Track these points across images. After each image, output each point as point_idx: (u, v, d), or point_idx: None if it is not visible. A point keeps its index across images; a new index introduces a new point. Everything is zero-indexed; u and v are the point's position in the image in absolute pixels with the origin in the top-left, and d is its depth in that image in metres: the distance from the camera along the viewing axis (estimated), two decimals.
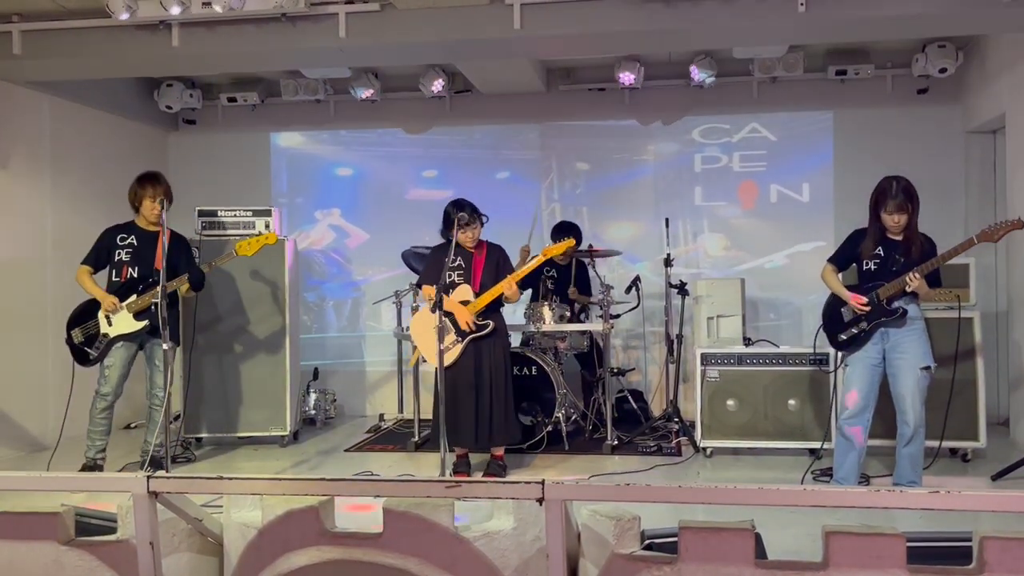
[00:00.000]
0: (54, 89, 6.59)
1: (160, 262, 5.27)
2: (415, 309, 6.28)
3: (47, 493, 3.05)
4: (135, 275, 5.36)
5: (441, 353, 4.72)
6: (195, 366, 6.14)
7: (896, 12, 5.10)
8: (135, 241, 5.42)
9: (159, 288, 5.08)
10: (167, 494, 2.36)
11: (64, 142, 6.75)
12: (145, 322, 5.29)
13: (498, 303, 5.24)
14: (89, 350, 5.33)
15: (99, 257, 5.44)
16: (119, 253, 5.41)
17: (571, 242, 5.30)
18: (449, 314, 5.08)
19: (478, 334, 5.08)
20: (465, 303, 5.11)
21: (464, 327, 5.06)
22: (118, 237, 5.44)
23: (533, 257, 5.43)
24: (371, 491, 2.31)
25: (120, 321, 5.30)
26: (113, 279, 5.40)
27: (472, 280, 5.14)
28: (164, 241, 5.03)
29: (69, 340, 5.37)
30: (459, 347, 5.08)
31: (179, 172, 8.07)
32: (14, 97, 6.30)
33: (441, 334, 4.69)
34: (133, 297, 5.30)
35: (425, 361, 5.44)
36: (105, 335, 5.31)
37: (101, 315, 5.32)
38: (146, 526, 2.29)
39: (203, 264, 5.51)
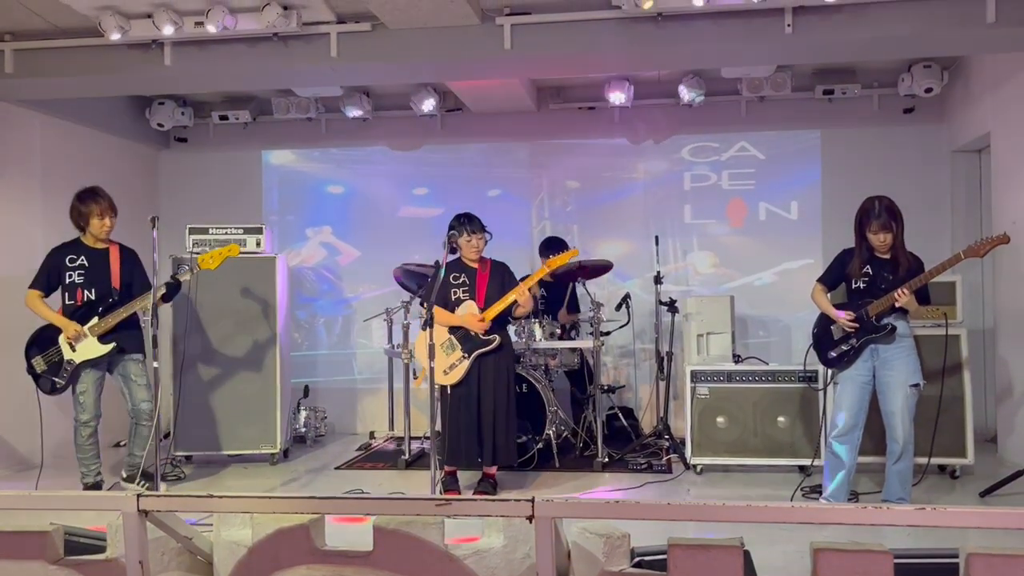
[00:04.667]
0: (46, 107, 6.60)
1: (116, 280, 5.23)
2: (406, 326, 6.29)
3: (30, 512, 3.03)
4: (92, 297, 5.19)
5: (432, 370, 4.73)
6: (185, 383, 6.13)
7: (881, 33, 5.17)
8: (85, 261, 5.24)
9: (127, 306, 5.08)
10: (157, 512, 2.36)
11: (56, 160, 6.76)
12: (112, 344, 5.15)
13: (504, 320, 5.26)
14: (56, 379, 5.17)
15: (49, 280, 5.25)
16: (71, 275, 5.21)
17: (575, 251, 5.36)
18: (456, 330, 5.10)
19: (484, 349, 5.08)
20: None
21: (477, 328, 5.06)
22: (67, 258, 5.24)
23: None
24: (361, 509, 2.32)
25: (85, 346, 5.14)
26: (67, 303, 5.22)
27: (476, 296, 5.16)
28: (155, 257, 4.97)
29: (30, 369, 5.21)
30: (466, 364, 5.07)
31: (170, 190, 8.09)
32: (6, 115, 6.31)
33: (432, 351, 4.71)
34: (95, 320, 5.15)
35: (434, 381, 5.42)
36: (71, 361, 5.15)
37: (63, 341, 5.16)
38: (135, 545, 2.29)
39: (163, 282, 5.19)
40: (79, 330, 5.12)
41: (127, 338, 5.23)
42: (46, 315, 5.21)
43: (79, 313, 5.18)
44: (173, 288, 5.23)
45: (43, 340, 5.22)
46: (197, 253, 6.15)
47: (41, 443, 5.31)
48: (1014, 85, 5.87)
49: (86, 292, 5.21)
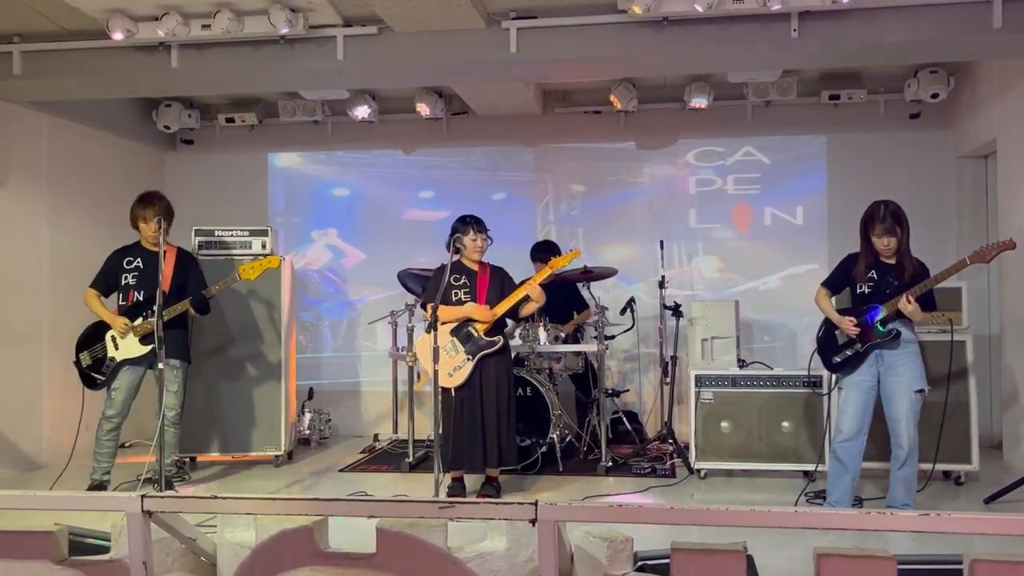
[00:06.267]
0: (53, 109, 6.63)
1: (165, 283, 5.27)
2: (411, 329, 6.29)
3: (35, 512, 3.04)
4: (140, 299, 5.34)
5: (436, 373, 4.72)
6: (190, 385, 6.12)
7: (888, 38, 5.16)
8: (141, 264, 5.41)
9: (169, 309, 5.16)
10: (161, 513, 2.36)
11: (62, 161, 6.78)
12: (151, 346, 5.23)
13: (503, 323, 5.27)
14: (96, 375, 5.32)
15: (107, 281, 5.43)
16: (126, 277, 5.39)
17: (577, 252, 5.35)
18: (458, 332, 5.11)
19: (488, 350, 5.09)
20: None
21: (484, 317, 5.07)
22: (124, 260, 5.43)
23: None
24: (365, 511, 2.32)
25: (127, 345, 5.30)
26: (120, 303, 5.39)
27: (477, 298, 5.17)
28: (161, 258, 5.03)
29: (77, 363, 5.37)
30: (470, 365, 5.08)
31: (176, 192, 8.03)
32: (13, 117, 6.34)
33: (437, 353, 4.71)
34: (139, 320, 5.30)
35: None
36: (112, 359, 5.31)
37: (108, 338, 5.32)
38: (139, 546, 2.30)
39: (213, 287, 5.44)
40: (127, 324, 5.26)
41: (166, 343, 5.25)
42: (99, 312, 5.37)
43: (128, 314, 5.33)
44: (200, 305, 5.38)
45: (94, 336, 5.37)
46: (207, 256, 6.20)
47: (75, 441, 5.38)
48: (1021, 91, 5.86)
49: (136, 294, 5.36)
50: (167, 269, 5.37)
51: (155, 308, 5.18)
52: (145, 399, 5.61)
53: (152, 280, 5.28)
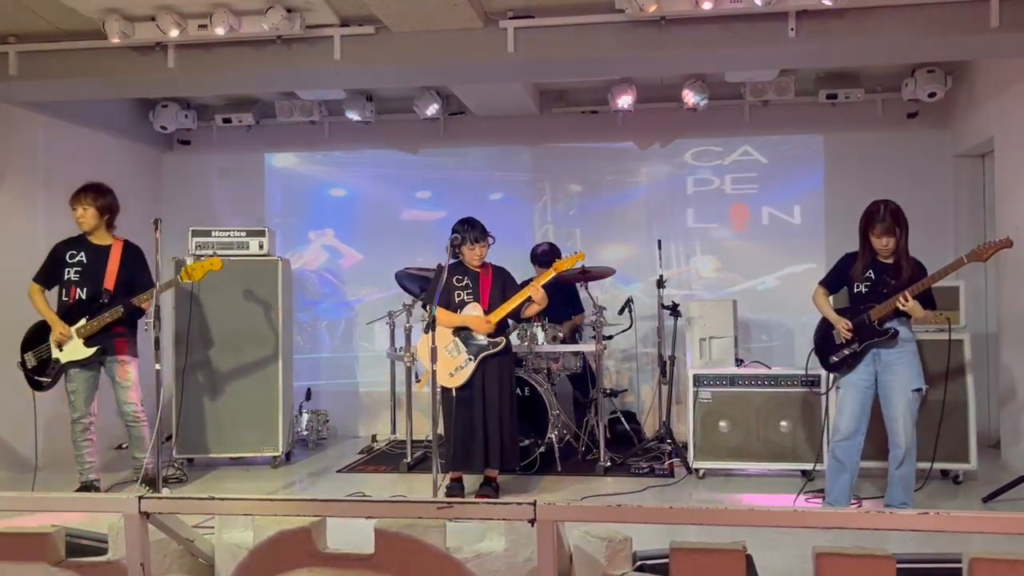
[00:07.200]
0: (49, 109, 6.61)
1: (111, 280, 5.14)
2: (408, 330, 6.28)
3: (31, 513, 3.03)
4: (83, 296, 5.14)
5: (434, 374, 4.72)
6: (187, 386, 6.12)
7: (885, 37, 5.17)
8: (84, 258, 5.20)
9: (111, 312, 5.05)
10: (158, 515, 2.35)
11: (59, 162, 6.77)
12: (96, 348, 5.11)
13: (505, 323, 5.27)
14: (41, 378, 5.15)
15: (49, 274, 5.23)
16: (68, 272, 5.17)
17: (582, 255, 5.35)
18: (460, 332, 5.11)
19: (491, 351, 5.09)
20: None
21: (483, 330, 5.06)
22: (68, 254, 5.22)
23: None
24: (363, 512, 2.31)
25: (71, 348, 5.11)
26: (62, 299, 5.19)
27: (480, 299, 5.17)
28: (158, 259, 4.99)
29: (22, 364, 5.18)
30: (472, 366, 5.08)
31: (173, 192, 8.10)
32: (10, 117, 6.32)
33: (435, 353, 4.71)
34: (83, 321, 5.10)
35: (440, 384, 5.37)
36: (57, 360, 5.13)
37: (52, 339, 5.14)
38: (137, 547, 2.29)
39: (145, 294, 5.11)
40: (65, 332, 5.09)
41: (111, 341, 5.18)
42: (41, 310, 5.18)
43: (70, 313, 5.15)
44: (133, 312, 5.16)
45: (40, 335, 5.20)
46: (198, 256, 6.18)
47: (35, 443, 5.31)
48: (1018, 90, 5.87)
49: (79, 291, 5.17)
50: (112, 263, 5.19)
51: (101, 306, 5.09)
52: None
53: (96, 277, 5.14)
